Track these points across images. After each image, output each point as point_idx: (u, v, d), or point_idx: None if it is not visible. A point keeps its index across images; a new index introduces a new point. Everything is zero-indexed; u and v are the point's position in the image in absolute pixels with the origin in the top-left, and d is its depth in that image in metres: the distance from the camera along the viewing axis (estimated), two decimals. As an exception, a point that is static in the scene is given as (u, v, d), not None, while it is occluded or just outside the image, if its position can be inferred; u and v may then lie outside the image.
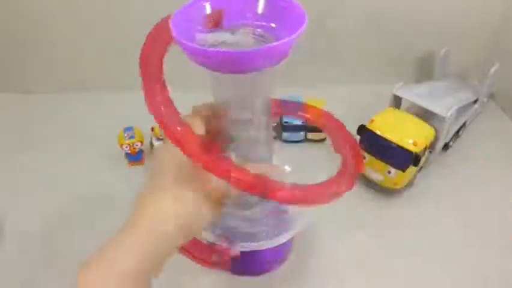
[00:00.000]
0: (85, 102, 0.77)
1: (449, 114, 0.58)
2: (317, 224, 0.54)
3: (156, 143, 0.64)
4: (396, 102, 0.65)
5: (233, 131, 0.36)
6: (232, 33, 0.33)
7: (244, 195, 0.40)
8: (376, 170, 0.58)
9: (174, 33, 0.29)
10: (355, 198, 0.59)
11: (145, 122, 0.66)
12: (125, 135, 0.61)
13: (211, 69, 0.31)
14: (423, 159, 0.59)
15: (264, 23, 0.33)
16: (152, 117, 0.30)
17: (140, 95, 0.30)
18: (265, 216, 0.45)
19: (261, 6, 0.34)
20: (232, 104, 0.35)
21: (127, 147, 0.61)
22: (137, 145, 0.62)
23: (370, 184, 0.60)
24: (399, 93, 0.63)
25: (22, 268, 0.51)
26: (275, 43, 0.28)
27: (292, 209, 0.46)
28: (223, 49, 0.32)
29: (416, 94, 0.63)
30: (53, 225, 0.56)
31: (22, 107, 0.78)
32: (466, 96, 0.68)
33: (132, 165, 0.64)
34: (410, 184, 0.60)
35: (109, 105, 0.75)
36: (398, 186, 0.58)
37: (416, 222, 0.57)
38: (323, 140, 0.69)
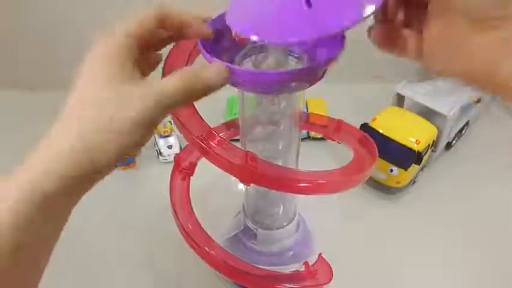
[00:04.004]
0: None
1: (451, 113, 0.58)
2: (318, 222, 0.54)
3: (160, 141, 0.65)
4: (399, 100, 0.65)
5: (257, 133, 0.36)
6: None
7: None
8: (378, 168, 0.58)
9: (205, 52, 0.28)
10: (357, 196, 0.59)
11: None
12: None
13: (245, 90, 0.31)
14: (425, 158, 0.59)
15: None
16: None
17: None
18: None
19: None
20: (261, 118, 0.35)
21: None
22: None
23: (372, 182, 0.60)
24: (402, 92, 0.63)
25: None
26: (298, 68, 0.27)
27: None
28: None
29: (419, 93, 0.63)
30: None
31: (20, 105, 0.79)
32: (469, 96, 0.67)
33: (124, 169, 0.64)
34: (412, 182, 0.60)
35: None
36: (400, 185, 0.58)
37: (418, 220, 0.57)
38: (325, 139, 0.69)
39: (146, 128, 0.24)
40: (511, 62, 0.22)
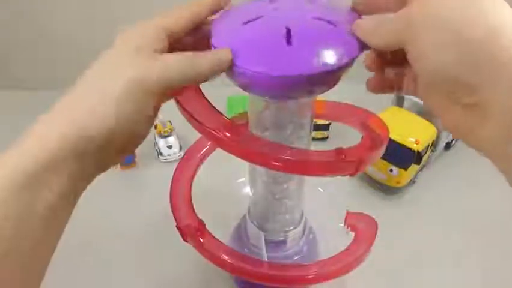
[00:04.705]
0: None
1: (451, 113, 0.58)
2: (318, 222, 0.54)
3: (160, 141, 0.65)
4: (399, 100, 0.65)
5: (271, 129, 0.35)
6: None
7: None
8: (378, 168, 0.58)
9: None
10: (357, 196, 0.59)
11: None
12: None
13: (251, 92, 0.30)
14: (425, 158, 0.59)
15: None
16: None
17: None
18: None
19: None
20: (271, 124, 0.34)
21: None
22: None
23: (372, 182, 0.61)
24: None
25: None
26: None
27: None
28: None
29: (418, 93, 0.63)
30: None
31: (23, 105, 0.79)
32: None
33: (123, 169, 0.63)
34: (412, 182, 0.60)
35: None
36: (400, 185, 0.58)
37: (417, 220, 0.57)
38: (325, 139, 0.69)
39: (141, 97, 0.24)
40: (483, 134, 0.21)
